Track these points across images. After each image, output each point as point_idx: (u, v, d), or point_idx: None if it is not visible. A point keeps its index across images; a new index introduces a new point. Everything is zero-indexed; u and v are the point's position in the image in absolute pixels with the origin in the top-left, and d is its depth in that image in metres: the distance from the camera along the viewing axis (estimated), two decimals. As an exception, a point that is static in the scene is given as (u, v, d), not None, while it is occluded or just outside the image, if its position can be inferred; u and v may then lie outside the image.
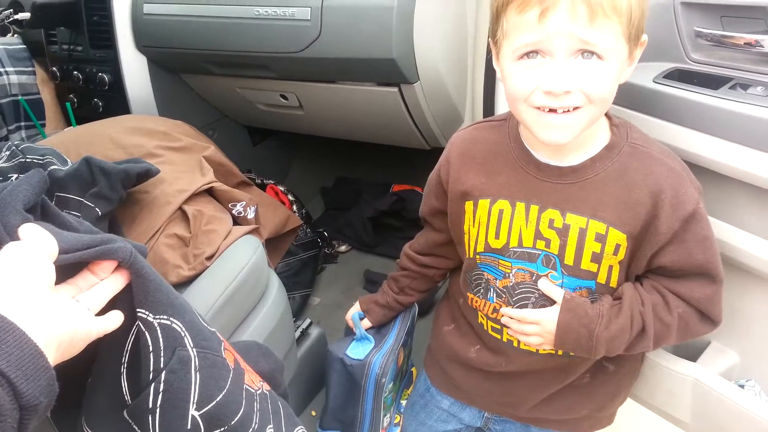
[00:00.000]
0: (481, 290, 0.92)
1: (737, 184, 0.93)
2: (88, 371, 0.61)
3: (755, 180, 0.90)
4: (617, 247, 0.81)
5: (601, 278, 0.84)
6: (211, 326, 0.68)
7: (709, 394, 0.99)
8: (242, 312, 1.07)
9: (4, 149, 1.06)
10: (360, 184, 2.12)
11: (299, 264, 1.66)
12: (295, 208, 1.75)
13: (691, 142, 0.95)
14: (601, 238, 0.80)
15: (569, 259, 0.83)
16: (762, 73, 0.95)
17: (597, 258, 0.82)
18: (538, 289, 0.86)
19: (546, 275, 0.85)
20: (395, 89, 1.32)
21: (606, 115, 0.83)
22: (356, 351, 1.14)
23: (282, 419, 0.74)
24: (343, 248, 1.98)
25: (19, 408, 0.43)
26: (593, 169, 0.81)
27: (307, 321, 1.43)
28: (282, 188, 1.77)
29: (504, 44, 0.74)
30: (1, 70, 1.58)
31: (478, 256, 0.90)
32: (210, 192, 1.19)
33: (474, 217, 0.88)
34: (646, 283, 0.86)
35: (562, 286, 0.84)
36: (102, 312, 0.57)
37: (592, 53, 0.69)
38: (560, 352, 0.89)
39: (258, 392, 0.70)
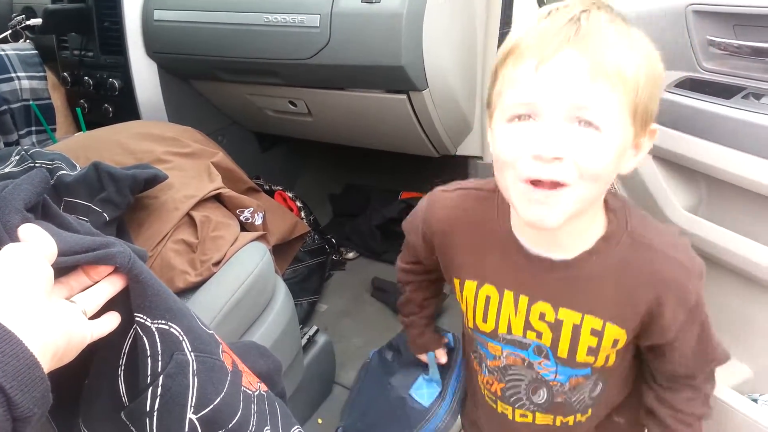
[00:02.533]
0: (477, 358, 0.88)
1: (751, 195, 0.92)
2: (86, 371, 0.60)
3: (767, 190, 0.89)
4: (615, 341, 0.74)
5: (599, 364, 0.78)
6: (209, 328, 0.67)
7: (722, 408, 0.97)
8: (249, 318, 1.07)
9: (14, 154, 1.06)
10: (368, 191, 2.12)
11: (306, 270, 1.66)
12: (303, 214, 1.75)
13: (702, 152, 0.94)
14: (597, 333, 0.74)
15: (563, 353, 0.76)
16: (776, 83, 0.93)
17: (593, 351, 0.75)
18: (531, 373, 0.80)
19: (539, 363, 0.79)
20: (404, 96, 1.32)
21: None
22: (422, 393, 1.03)
23: (279, 420, 0.73)
24: (350, 255, 1.97)
25: (12, 420, 0.42)
26: (589, 265, 0.72)
27: (314, 328, 1.42)
28: (290, 194, 1.77)
29: (497, 105, 0.66)
30: (13, 75, 1.59)
31: (470, 330, 0.84)
32: (218, 198, 1.19)
33: (462, 294, 0.82)
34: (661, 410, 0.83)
35: (556, 373, 0.79)
36: (97, 314, 0.57)
37: (590, 123, 0.60)
38: (558, 422, 0.84)
39: (255, 393, 0.70)
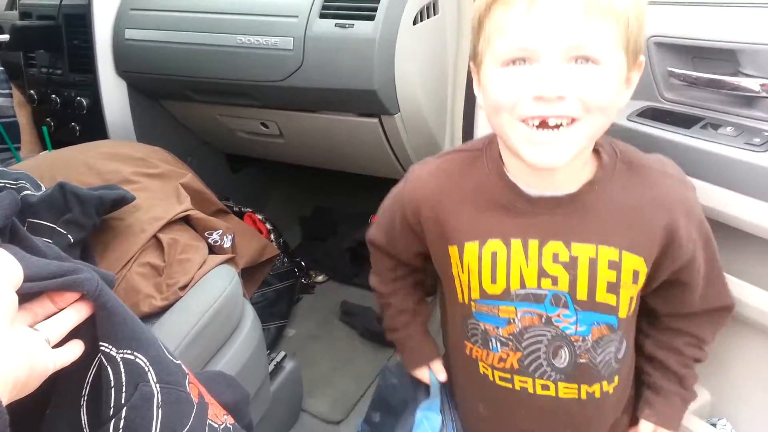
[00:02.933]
0: (479, 340, 0.81)
1: (712, 223, 0.95)
2: (47, 402, 0.58)
3: (726, 219, 0.91)
4: (635, 273, 0.72)
5: (623, 312, 0.75)
6: (177, 359, 0.66)
7: None
8: (215, 344, 1.05)
9: (-25, 173, 1.03)
10: (338, 214, 2.12)
11: (275, 294, 1.64)
12: (272, 237, 1.74)
13: (665, 179, 0.96)
14: (615, 266, 0.72)
15: (582, 294, 0.73)
16: (732, 114, 0.97)
17: (614, 288, 0.73)
18: (549, 331, 0.76)
19: (557, 314, 0.75)
20: (376, 120, 1.33)
21: None
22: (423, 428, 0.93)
23: None
24: (320, 278, 1.96)
25: None
26: (594, 193, 0.72)
27: (282, 353, 1.40)
28: (260, 216, 1.75)
29: (487, 54, 0.65)
30: (-23, 91, 1.56)
31: (473, 304, 0.79)
32: (186, 220, 1.17)
33: (462, 263, 0.77)
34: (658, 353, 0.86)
35: (576, 323, 0.75)
36: (61, 342, 0.55)
37: (587, 59, 0.60)
38: (584, 394, 0.79)
39: (221, 427, 0.68)
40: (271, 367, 1.33)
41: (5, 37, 1.55)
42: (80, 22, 1.48)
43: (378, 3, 1.20)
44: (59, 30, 1.52)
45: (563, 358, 0.77)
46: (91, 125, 1.53)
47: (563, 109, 0.61)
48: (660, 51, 1.01)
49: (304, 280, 1.89)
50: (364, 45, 1.21)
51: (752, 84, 0.93)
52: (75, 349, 0.56)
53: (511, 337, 0.78)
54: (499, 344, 0.79)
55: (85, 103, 1.53)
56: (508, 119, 0.64)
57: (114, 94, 1.52)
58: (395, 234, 0.87)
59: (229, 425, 0.70)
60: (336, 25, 1.23)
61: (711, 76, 0.97)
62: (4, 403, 0.44)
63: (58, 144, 1.53)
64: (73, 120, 1.57)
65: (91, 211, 0.98)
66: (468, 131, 1.39)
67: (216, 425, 0.67)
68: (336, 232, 2.04)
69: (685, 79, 1.00)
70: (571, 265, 0.72)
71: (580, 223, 0.72)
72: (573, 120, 0.62)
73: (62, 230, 0.94)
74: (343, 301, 1.80)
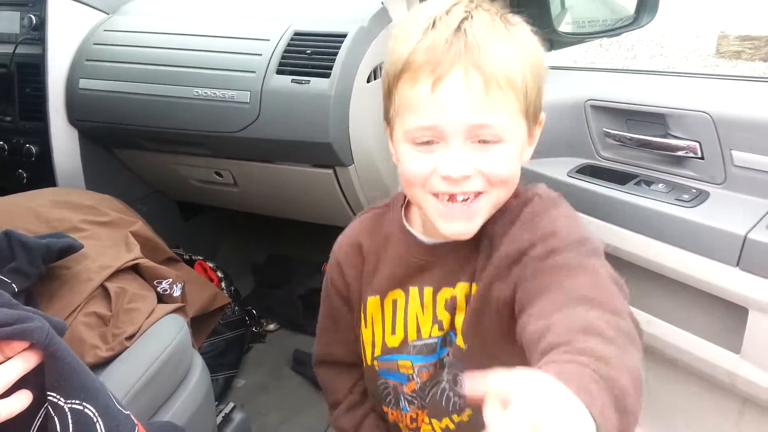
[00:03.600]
0: (392, 400, 0.83)
1: (646, 272, 1.01)
2: None
3: (659, 268, 0.97)
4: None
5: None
6: (126, 409, 0.65)
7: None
8: (163, 395, 1.02)
9: None
10: (292, 262, 2.11)
11: (224, 344, 1.62)
12: (223, 285, 1.72)
13: (602, 232, 1.02)
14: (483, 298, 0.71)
15: (457, 324, 0.74)
16: (663, 172, 1.05)
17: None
18: (445, 380, 0.76)
19: (447, 354, 0.76)
20: (330, 171, 1.36)
21: None
22: None
23: None
24: (271, 327, 1.94)
25: None
26: (481, 234, 0.71)
27: (231, 405, 1.37)
28: (211, 264, 1.74)
29: (397, 123, 0.67)
30: None
31: (376, 362, 0.81)
32: (135, 269, 1.16)
33: (365, 317, 0.80)
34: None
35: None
36: (7, 391, 0.54)
37: (491, 141, 0.63)
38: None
39: None
40: (219, 418, 1.30)
41: (-47, 83, 1.53)
42: (33, 70, 1.48)
43: (333, 62, 1.25)
44: (11, 77, 1.51)
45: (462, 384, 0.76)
46: (39, 173, 1.51)
47: (469, 186, 0.64)
48: (596, 113, 1.09)
49: (255, 328, 1.86)
50: (319, 100, 1.25)
51: (680, 145, 1.01)
52: (22, 400, 0.55)
53: (414, 394, 0.80)
54: (407, 403, 0.81)
55: (33, 150, 1.50)
56: (420, 192, 0.68)
57: (65, 142, 1.51)
58: (336, 320, 0.87)
59: None
60: (292, 80, 1.27)
61: (643, 137, 1.05)
62: None
63: (3, 191, 1.49)
64: (21, 167, 1.54)
65: (37, 260, 0.96)
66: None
67: None
68: (289, 280, 2.03)
69: (619, 140, 1.07)
70: (450, 307, 0.74)
71: (468, 264, 0.73)
72: (479, 193, 0.66)
73: (6, 279, 0.91)
74: (296, 350, 1.78)
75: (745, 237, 0.87)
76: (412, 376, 0.79)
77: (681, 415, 1.08)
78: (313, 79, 1.26)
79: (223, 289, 1.67)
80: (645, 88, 1.09)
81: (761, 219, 0.90)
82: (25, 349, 0.55)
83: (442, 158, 0.64)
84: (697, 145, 0.97)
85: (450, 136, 0.63)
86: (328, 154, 1.30)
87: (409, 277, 0.76)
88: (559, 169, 1.08)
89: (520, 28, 0.67)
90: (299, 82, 1.26)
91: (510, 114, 0.64)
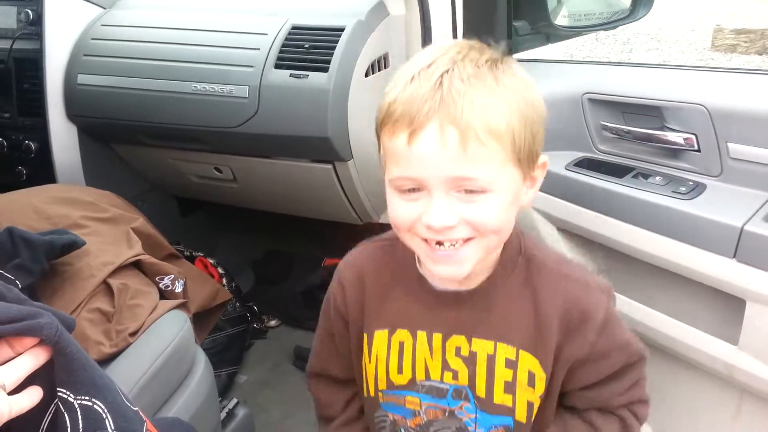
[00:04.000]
0: (390, 430, 0.82)
1: (644, 264, 1.02)
2: None
3: (657, 261, 0.98)
4: (531, 375, 0.72)
5: (520, 415, 0.74)
6: (135, 405, 0.65)
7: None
8: (166, 391, 1.03)
9: None
10: (291, 258, 2.12)
11: (226, 340, 1.62)
12: (224, 281, 1.72)
13: (599, 225, 1.03)
14: (511, 364, 0.72)
15: (481, 391, 0.73)
16: (660, 164, 1.06)
17: (510, 388, 0.73)
18: (454, 424, 0.76)
19: (460, 407, 0.75)
20: (329, 166, 1.37)
21: None
22: None
23: None
24: (273, 323, 1.95)
25: None
26: (494, 290, 0.72)
27: (234, 401, 1.38)
28: (212, 261, 1.74)
29: (386, 169, 0.67)
30: None
31: (381, 395, 0.79)
32: (137, 265, 1.16)
33: (371, 351, 0.78)
34: (570, 420, 0.79)
35: (476, 422, 0.75)
36: (18, 387, 0.54)
37: (475, 191, 0.62)
38: None
39: None
40: (222, 414, 1.31)
41: (-49, 79, 1.53)
42: (31, 66, 1.48)
43: (331, 56, 1.25)
44: (8, 73, 1.51)
45: None
46: (39, 169, 1.51)
47: (455, 234, 0.63)
48: (593, 106, 1.09)
49: (256, 324, 1.87)
50: (318, 94, 1.25)
51: (676, 138, 1.01)
52: (32, 396, 0.55)
53: (418, 428, 0.79)
54: None
55: (33, 146, 1.51)
56: (408, 236, 0.67)
57: (63, 138, 1.51)
58: (334, 338, 0.86)
59: None
60: (291, 75, 1.27)
61: (640, 130, 1.05)
62: None
63: (3, 188, 1.49)
64: (20, 164, 1.54)
65: (40, 257, 0.96)
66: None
67: None
68: (289, 276, 2.04)
69: (616, 133, 1.08)
70: (470, 361, 0.73)
71: (482, 319, 0.72)
72: (468, 239, 0.64)
73: (10, 275, 0.92)
74: (297, 346, 1.78)
75: (742, 229, 0.88)
76: (419, 413, 0.78)
77: (679, 406, 1.09)
78: (311, 74, 1.26)
79: (224, 285, 1.68)
80: (641, 81, 1.09)
81: (757, 211, 0.91)
82: (34, 345, 0.55)
83: (426, 207, 0.63)
84: (694, 137, 0.98)
85: (432, 188, 0.62)
86: (327, 149, 1.30)
87: (418, 320, 0.75)
88: (557, 162, 1.09)
89: (509, 73, 0.64)
90: (297, 77, 1.26)
91: (495, 164, 0.62)
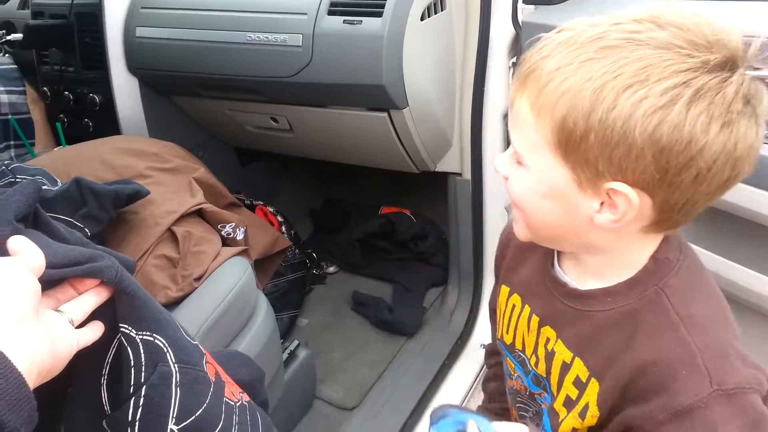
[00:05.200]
0: (507, 372, 0.82)
1: (724, 215, 0.95)
2: (67, 381, 0.61)
3: (738, 211, 0.92)
4: (586, 407, 0.65)
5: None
6: (194, 339, 0.68)
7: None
8: (230, 333, 1.07)
9: (-6, 169, 1.06)
10: (349, 206, 2.14)
11: (287, 285, 1.67)
12: (284, 229, 1.76)
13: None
14: (580, 386, 0.66)
15: (553, 388, 0.70)
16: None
17: (570, 404, 0.67)
18: (533, 407, 0.75)
19: (539, 394, 0.73)
20: (384, 114, 1.35)
21: (665, 239, 0.63)
22: None
23: (260, 430, 0.74)
24: (331, 269, 1.98)
25: None
26: (601, 304, 0.64)
27: (295, 342, 1.43)
28: (271, 209, 1.78)
29: None
30: (-8, 89, 1.59)
31: (497, 343, 0.82)
32: (199, 213, 1.20)
33: (498, 300, 0.80)
34: None
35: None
36: (83, 322, 0.57)
37: (519, 160, 0.61)
38: None
39: (237, 404, 0.71)
40: (285, 355, 1.36)
41: (18, 36, 1.58)
42: (91, 20, 1.51)
43: (385, 0, 1.21)
44: (71, 28, 1.55)
45: None
46: (104, 121, 1.56)
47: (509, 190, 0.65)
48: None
49: (316, 270, 1.91)
50: (372, 41, 1.22)
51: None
52: (97, 329, 0.58)
53: (511, 390, 0.80)
54: (508, 392, 0.82)
55: (97, 99, 1.55)
56: None
57: (126, 91, 1.55)
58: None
59: (245, 402, 0.72)
60: (344, 21, 1.25)
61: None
62: (30, 388, 0.46)
63: (71, 140, 1.56)
64: (86, 116, 1.59)
65: (107, 206, 1.00)
66: (476, 127, 1.41)
67: (232, 403, 0.69)
68: (347, 224, 2.06)
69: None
70: (549, 357, 0.70)
71: (573, 325, 0.67)
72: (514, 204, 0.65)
73: (79, 224, 0.96)
74: (355, 292, 1.82)
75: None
76: (512, 377, 0.79)
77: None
78: (365, 19, 1.23)
79: (283, 232, 1.71)
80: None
81: None
82: (96, 285, 0.58)
83: None
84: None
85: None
86: (382, 97, 1.28)
87: (530, 295, 0.74)
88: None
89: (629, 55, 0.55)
90: (351, 23, 1.24)
91: (531, 141, 0.59)
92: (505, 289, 0.78)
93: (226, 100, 1.54)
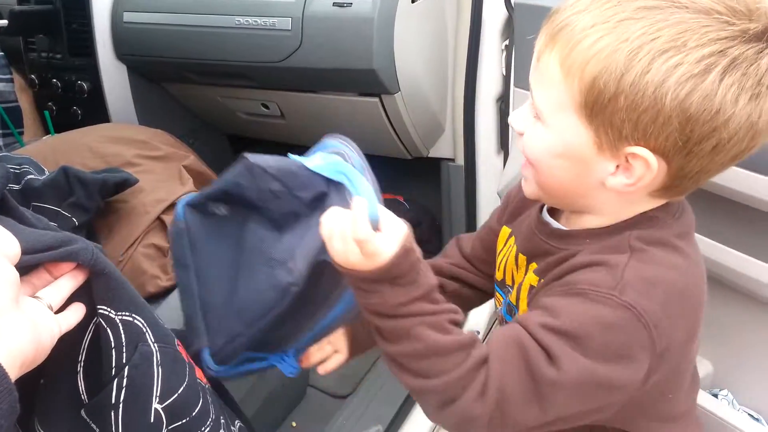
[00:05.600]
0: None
1: (726, 201, 0.95)
2: (39, 370, 0.60)
3: (736, 196, 0.91)
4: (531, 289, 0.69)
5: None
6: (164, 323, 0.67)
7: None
8: (221, 322, 1.06)
9: (-20, 158, 1.05)
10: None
11: (280, 273, 1.66)
12: (276, 217, 1.75)
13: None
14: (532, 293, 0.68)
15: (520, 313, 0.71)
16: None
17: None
18: None
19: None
20: (376, 99, 1.33)
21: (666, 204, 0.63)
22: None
23: (226, 412, 0.75)
24: (325, 257, 1.98)
25: None
26: (577, 243, 0.65)
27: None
28: (263, 197, 1.76)
29: None
30: (-22, 77, 1.56)
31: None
32: (189, 201, 1.18)
33: (497, 240, 0.80)
34: None
35: None
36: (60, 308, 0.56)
37: (537, 115, 0.60)
38: None
39: (207, 387, 0.70)
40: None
41: (4, 22, 1.55)
42: (78, 5, 1.48)
43: (376, -19, 1.20)
44: (58, 14, 1.52)
45: None
46: (93, 109, 1.54)
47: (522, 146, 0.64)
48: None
49: (309, 259, 1.90)
50: (362, 24, 1.20)
51: None
52: (78, 312, 0.57)
53: (497, 327, 0.81)
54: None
55: (85, 86, 1.53)
56: None
57: (114, 78, 1.53)
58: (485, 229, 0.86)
59: (208, 387, 0.72)
60: (334, 4, 1.23)
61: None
62: (12, 379, 0.45)
63: (60, 128, 1.54)
64: (75, 104, 1.57)
65: (94, 195, 0.99)
66: (469, 111, 1.39)
67: (203, 384, 0.69)
68: (339, 211, 2.05)
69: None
70: (520, 285, 0.71)
71: (548, 258, 0.67)
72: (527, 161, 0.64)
73: (67, 213, 0.95)
74: (348, 280, 1.81)
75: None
76: (498, 311, 0.79)
77: (735, 341, 1.05)
78: (355, 2, 1.21)
79: (275, 220, 1.70)
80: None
81: None
82: (72, 269, 0.57)
83: None
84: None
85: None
86: (373, 82, 1.26)
87: (522, 235, 0.73)
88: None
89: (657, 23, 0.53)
90: (340, 5, 1.22)
91: (554, 98, 0.57)
92: (506, 230, 0.78)
93: (217, 86, 1.52)
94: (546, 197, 0.67)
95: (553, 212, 0.71)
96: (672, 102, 0.52)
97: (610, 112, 0.54)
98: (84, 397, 0.61)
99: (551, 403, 0.57)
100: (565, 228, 0.68)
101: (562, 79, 0.56)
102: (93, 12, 1.46)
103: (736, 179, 0.89)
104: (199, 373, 0.70)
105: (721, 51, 0.51)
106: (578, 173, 0.60)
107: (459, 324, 0.60)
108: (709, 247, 0.97)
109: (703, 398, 1.00)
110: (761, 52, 0.52)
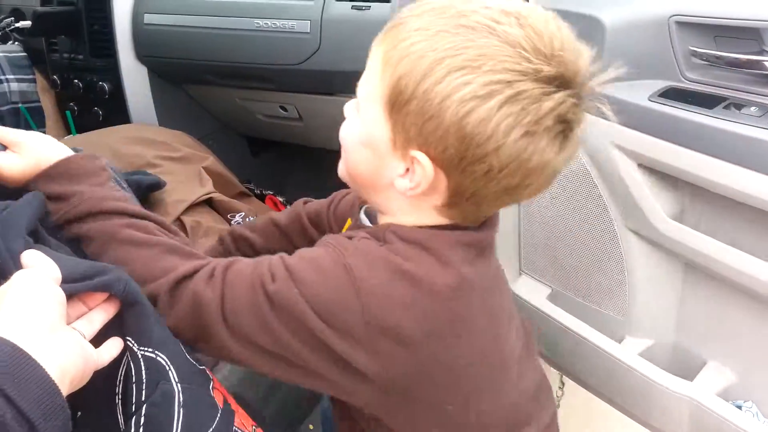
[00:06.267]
0: None
1: (731, 203, 0.94)
2: (73, 402, 0.60)
3: (747, 199, 0.91)
4: None
5: None
6: (200, 364, 0.65)
7: (706, 414, 0.99)
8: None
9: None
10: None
11: (296, 275, 1.66)
12: (292, 218, 1.75)
13: (685, 160, 0.96)
14: None
15: None
16: (756, 93, 0.96)
17: None
18: None
19: None
20: (394, 102, 1.33)
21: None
22: None
23: None
24: (340, 258, 1.98)
25: None
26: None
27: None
28: (281, 199, 1.77)
29: None
30: (2, 77, 1.59)
31: None
32: (209, 203, 1.19)
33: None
34: None
35: None
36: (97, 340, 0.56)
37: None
38: None
39: None
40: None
41: (27, 23, 1.57)
42: (99, 6, 1.49)
43: (395, -16, 1.20)
44: (79, 15, 1.54)
45: None
46: (114, 110, 1.55)
47: None
48: (681, 30, 0.99)
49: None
50: (381, 27, 1.19)
51: (777, 62, 0.91)
52: (116, 345, 0.57)
53: None
54: None
55: (107, 87, 1.54)
56: None
57: (135, 79, 1.54)
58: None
59: None
60: (353, 7, 1.23)
61: (734, 56, 0.95)
62: (63, 396, 0.45)
63: (81, 128, 1.56)
64: (96, 105, 1.59)
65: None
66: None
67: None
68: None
69: (707, 59, 0.98)
70: None
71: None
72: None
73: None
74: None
75: None
76: None
77: (760, 350, 1.03)
78: (373, 5, 1.21)
79: (291, 221, 1.70)
80: (737, 0, 0.98)
81: None
82: (103, 301, 0.57)
83: None
84: (798, 62, 0.88)
85: None
86: (392, 85, 1.26)
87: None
88: (640, 93, 1.00)
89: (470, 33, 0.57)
90: (359, 8, 1.22)
91: (370, 89, 0.61)
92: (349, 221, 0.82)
93: (236, 88, 1.53)
94: (352, 183, 0.70)
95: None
96: (452, 117, 0.54)
97: (404, 113, 0.57)
98: (122, 426, 0.59)
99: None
100: (371, 226, 0.71)
101: (380, 72, 0.59)
102: (114, 14, 1.47)
103: (755, 185, 0.88)
104: (240, 420, 0.67)
105: (509, 81, 0.53)
106: (377, 167, 0.63)
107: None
108: (734, 256, 0.95)
109: (726, 410, 0.98)
110: (547, 95, 0.54)
